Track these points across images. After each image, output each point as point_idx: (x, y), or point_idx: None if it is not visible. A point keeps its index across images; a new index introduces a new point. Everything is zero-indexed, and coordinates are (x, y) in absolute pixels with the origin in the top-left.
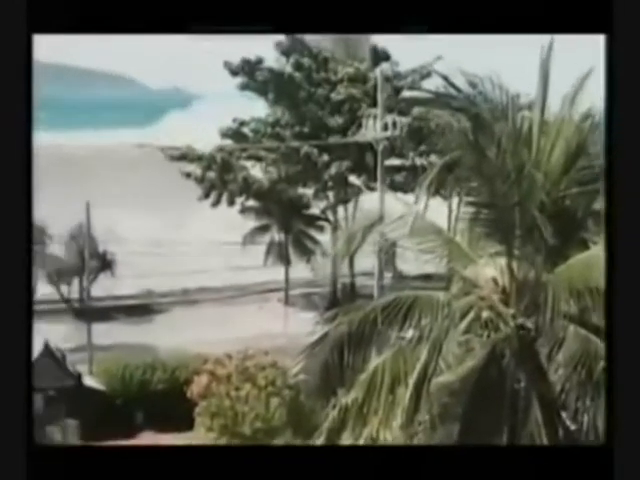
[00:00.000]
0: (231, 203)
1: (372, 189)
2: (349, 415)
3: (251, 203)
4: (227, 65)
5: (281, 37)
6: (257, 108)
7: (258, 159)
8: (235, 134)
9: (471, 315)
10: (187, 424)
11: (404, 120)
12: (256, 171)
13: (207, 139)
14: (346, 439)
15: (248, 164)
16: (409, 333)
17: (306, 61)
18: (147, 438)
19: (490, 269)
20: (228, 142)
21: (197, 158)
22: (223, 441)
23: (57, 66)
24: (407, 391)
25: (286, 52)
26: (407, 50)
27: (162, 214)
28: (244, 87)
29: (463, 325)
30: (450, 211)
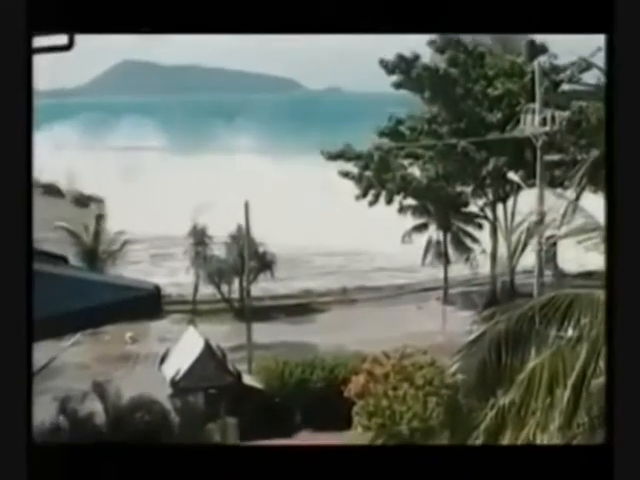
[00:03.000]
0: (389, 202)
1: (531, 185)
2: (507, 416)
3: (409, 202)
4: (383, 63)
5: (435, 34)
6: (414, 106)
7: (415, 157)
8: (392, 132)
9: None
10: (345, 423)
11: (563, 114)
12: (414, 169)
13: (364, 138)
14: (504, 441)
15: (405, 162)
16: (568, 332)
17: (461, 57)
18: (305, 437)
19: None
20: (385, 140)
21: (355, 157)
22: (380, 441)
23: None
24: (565, 392)
25: (441, 49)
26: (564, 42)
27: (320, 213)
28: (400, 85)
29: None
30: None
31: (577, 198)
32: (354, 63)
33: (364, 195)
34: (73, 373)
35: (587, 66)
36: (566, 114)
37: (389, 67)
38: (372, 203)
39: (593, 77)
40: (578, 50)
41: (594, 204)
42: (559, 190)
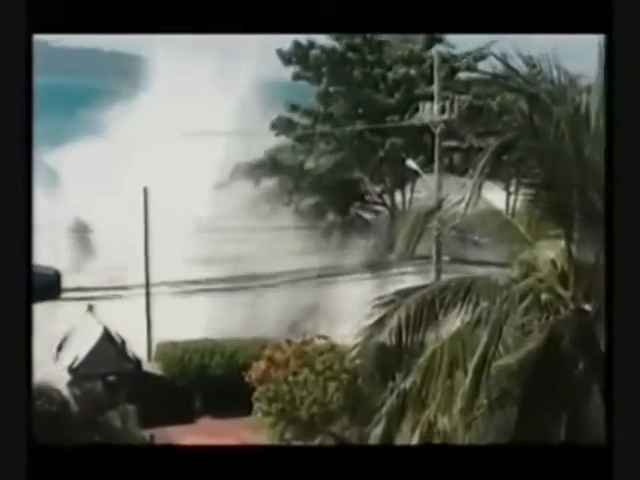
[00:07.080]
0: None
1: (429, 171)
2: (408, 400)
3: (306, 186)
4: (280, 53)
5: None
6: (311, 94)
7: (312, 143)
8: (288, 119)
9: (530, 297)
10: (245, 409)
11: (462, 99)
12: (310, 156)
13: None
14: (405, 424)
15: (302, 148)
16: (467, 316)
17: (359, 43)
18: (205, 423)
19: (549, 251)
20: (282, 123)
21: None
22: (281, 426)
23: None
24: (467, 375)
25: (338, 37)
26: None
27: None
28: (297, 77)
29: (522, 308)
30: (508, 193)
31: (479, 186)
32: (249, 53)
33: None
34: None
35: (482, 56)
36: (464, 101)
37: (286, 57)
38: None
39: (489, 66)
40: (473, 42)
41: (494, 191)
42: (461, 179)
